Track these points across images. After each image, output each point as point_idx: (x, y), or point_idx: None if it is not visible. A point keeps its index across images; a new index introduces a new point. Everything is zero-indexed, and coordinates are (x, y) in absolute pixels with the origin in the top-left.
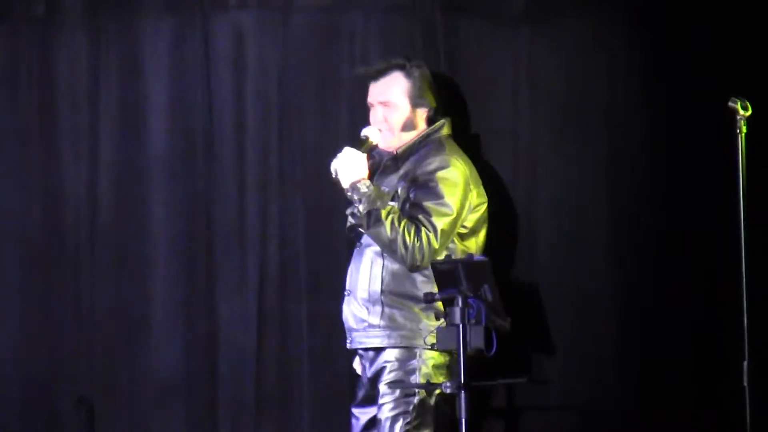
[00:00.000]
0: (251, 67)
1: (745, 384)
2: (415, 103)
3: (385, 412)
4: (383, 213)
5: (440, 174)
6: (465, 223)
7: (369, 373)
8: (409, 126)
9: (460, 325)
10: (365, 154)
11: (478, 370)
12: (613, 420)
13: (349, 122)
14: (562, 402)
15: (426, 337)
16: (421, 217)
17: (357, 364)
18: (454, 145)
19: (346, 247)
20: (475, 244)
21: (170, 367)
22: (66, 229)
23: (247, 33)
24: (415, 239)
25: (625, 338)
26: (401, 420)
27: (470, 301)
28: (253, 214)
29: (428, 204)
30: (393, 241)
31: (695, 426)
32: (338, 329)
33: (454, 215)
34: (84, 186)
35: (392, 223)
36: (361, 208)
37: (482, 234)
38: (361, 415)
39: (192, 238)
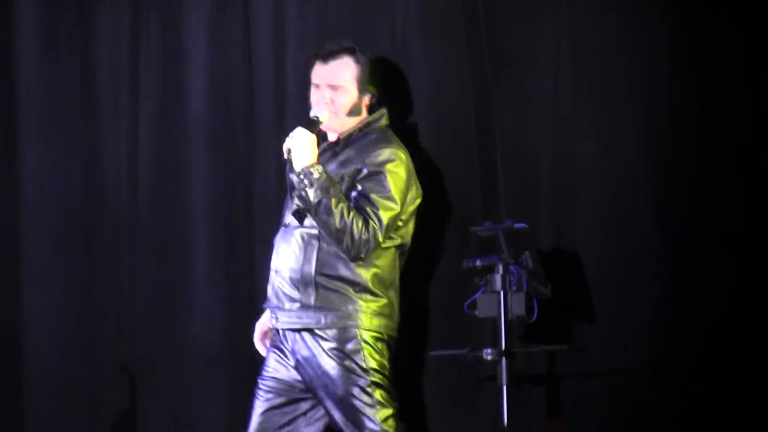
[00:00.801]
0: (291, 43)
1: None
2: (362, 89)
3: (339, 394)
4: (333, 202)
5: (389, 167)
6: (402, 216)
7: (301, 355)
8: (354, 111)
9: (501, 292)
10: (315, 136)
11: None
12: (655, 387)
13: (391, 94)
14: (603, 369)
15: (360, 316)
16: (369, 209)
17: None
18: (395, 136)
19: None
20: (407, 232)
21: (211, 342)
22: (107, 204)
23: (288, 9)
24: (364, 232)
25: (667, 304)
26: (366, 398)
27: (511, 268)
28: None
29: (376, 196)
30: (341, 231)
31: (738, 389)
32: None
33: (398, 210)
34: (124, 160)
35: (342, 213)
36: (311, 194)
37: (411, 224)
38: (269, 392)
39: (232, 212)
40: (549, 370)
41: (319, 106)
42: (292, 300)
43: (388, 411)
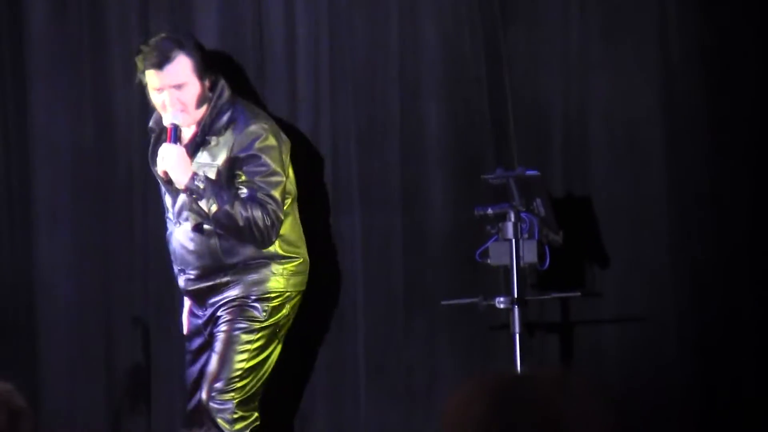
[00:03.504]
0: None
1: None
2: (202, 76)
3: (222, 328)
4: (229, 206)
5: (258, 145)
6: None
7: (207, 314)
8: (202, 101)
9: (513, 240)
10: (183, 147)
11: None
12: (669, 331)
13: (399, 40)
14: (617, 315)
15: (278, 279)
16: (260, 195)
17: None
18: (244, 101)
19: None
20: (292, 184)
21: None
22: (118, 152)
23: None
24: (266, 219)
25: (679, 249)
26: (240, 340)
27: (523, 215)
28: (305, 133)
29: (261, 179)
30: (245, 228)
31: (751, 329)
32: (392, 243)
33: (284, 178)
34: (135, 109)
35: (240, 212)
36: (205, 205)
37: (290, 172)
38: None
39: None
40: (562, 318)
41: (168, 109)
42: (211, 288)
43: (255, 362)
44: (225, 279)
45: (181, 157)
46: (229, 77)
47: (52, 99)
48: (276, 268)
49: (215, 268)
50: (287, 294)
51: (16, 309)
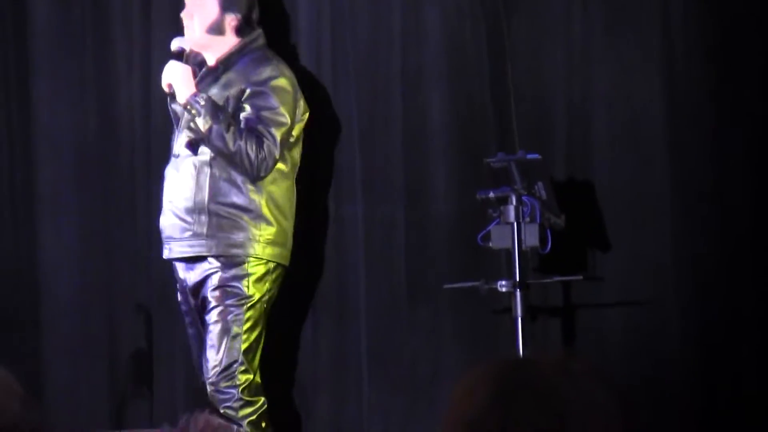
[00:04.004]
0: None
1: None
2: (225, 7)
3: (214, 317)
4: (224, 126)
5: (273, 83)
6: (293, 132)
7: (191, 282)
8: (214, 29)
9: (515, 223)
10: (189, 67)
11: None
12: (670, 315)
13: (402, 32)
14: (618, 299)
15: (253, 245)
16: (260, 128)
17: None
18: (276, 55)
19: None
20: (298, 153)
21: None
22: (121, 147)
23: None
24: (259, 151)
25: (682, 245)
26: (232, 324)
27: (524, 199)
28: (308, 124)
29: (265, 114)
30: (236, 153)
31: (753, 324)
32: (394, 233)
33: (289, 124)
34: (138, 97)
35: (234, 136)
36: (201, 122)
37: (300, 145)
38: (192, 322)
39: None
40: (564, 302)
41: (184, 21)
42: (185, 229)
43: (247, 344)
44: (202, 228)
45: (185, 73)
46: None
47: (55, 95)
48: (253, 232)
49: (197, 205)
50: (264, 262)
51: (20, 303)
